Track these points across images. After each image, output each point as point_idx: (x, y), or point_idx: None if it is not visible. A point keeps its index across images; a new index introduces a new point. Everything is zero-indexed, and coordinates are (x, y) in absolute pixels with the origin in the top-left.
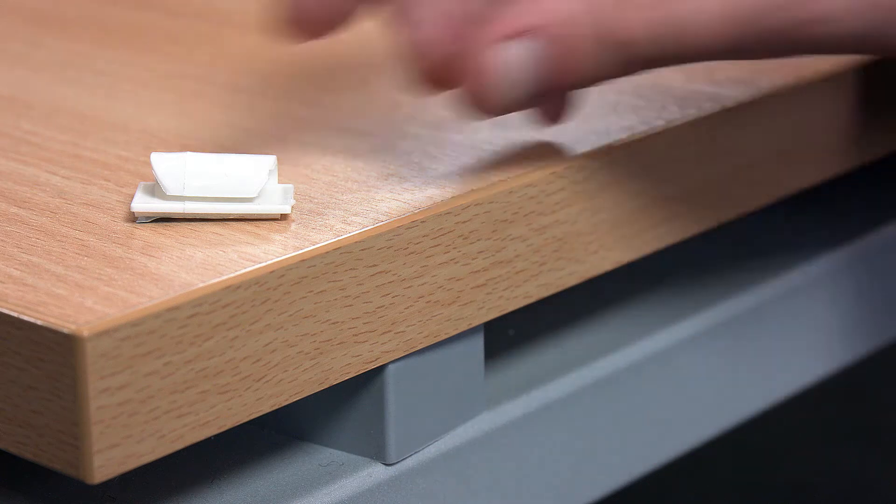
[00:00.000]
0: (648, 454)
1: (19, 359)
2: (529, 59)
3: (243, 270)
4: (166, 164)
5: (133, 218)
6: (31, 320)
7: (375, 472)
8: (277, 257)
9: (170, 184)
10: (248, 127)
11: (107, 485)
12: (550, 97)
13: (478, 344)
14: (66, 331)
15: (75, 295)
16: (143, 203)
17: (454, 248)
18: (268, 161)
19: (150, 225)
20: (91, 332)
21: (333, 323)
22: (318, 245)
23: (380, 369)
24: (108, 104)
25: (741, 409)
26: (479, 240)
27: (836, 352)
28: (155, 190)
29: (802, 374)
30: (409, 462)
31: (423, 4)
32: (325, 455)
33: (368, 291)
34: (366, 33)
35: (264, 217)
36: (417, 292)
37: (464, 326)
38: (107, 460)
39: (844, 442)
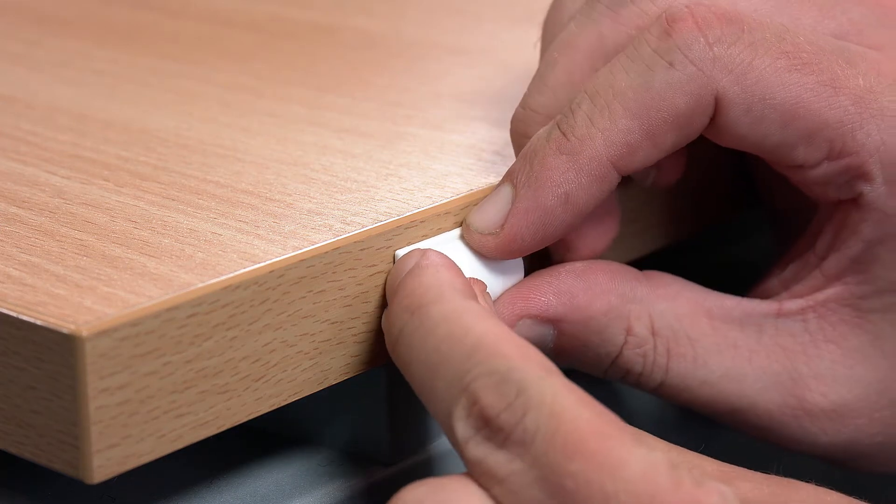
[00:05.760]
0: None
1: (19, 359)
2: None
3: (242, 270)
4: None
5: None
6: (31, 320)
7: (375, 472)
8: (277, 257)
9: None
10: (248, 127)
11: (107, 485)
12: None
13: None
14: (65, 331)
15: (74, 295)
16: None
17: None
18: None
19: (150, 225)
20: (90, 332)
21: (333, 323)
22: (318, 245)
23: (380, 369)
24: (108, 104)
25: None
26: None
27: None
28: None
29: None
30: (409, 462)
31: None
32: (325, 455)
33: (368, 291)
34: (367, 33)
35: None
36: None
37: None
38: (106, 460)
39: None
